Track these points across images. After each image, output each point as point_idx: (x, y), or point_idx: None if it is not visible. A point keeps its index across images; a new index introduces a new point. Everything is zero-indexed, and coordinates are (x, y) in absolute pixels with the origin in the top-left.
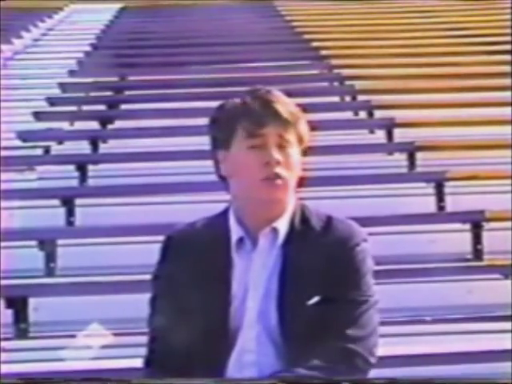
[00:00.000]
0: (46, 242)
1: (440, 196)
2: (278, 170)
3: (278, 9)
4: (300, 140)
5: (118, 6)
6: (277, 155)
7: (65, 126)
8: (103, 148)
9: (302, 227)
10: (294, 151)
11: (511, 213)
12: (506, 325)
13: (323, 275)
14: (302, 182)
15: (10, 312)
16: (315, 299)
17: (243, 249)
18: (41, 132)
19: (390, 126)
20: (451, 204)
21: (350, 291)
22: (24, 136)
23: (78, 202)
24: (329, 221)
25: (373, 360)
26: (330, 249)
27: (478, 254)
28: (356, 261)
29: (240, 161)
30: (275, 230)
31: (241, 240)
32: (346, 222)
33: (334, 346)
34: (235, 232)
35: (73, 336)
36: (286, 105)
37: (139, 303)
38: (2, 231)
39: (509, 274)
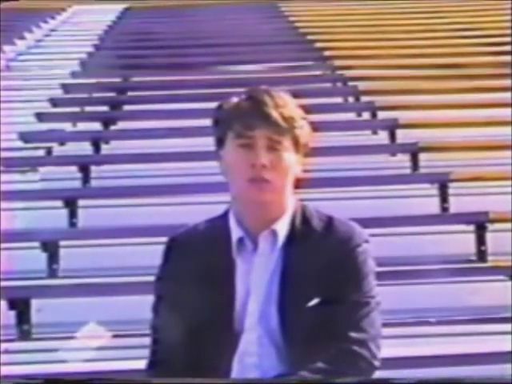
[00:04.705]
0: (49, 244)
1: (444, 197)
2: (264, 172)
3: (282, 9)
4: (296, 144)
5: (121, 6)
6: (263, 158)
7: (67, 126)
8: (106, 149)
9: (302, 228)
10: (288, 155)
11: None
12: (510, 326)
13: (324, 277)
14: (304, 183)
15: (12, 313)
16: (316, 301)
17: (244, 250)
18: (43, 133)
19: (393, 127)
20: (455, 205)
21: (352, 293)
22: (26, 137)
23: (80, 203)
24: (330, 222)
25: (376, 363)
26: (331, 250)
27: (481, 255)
28: (357, 262)
29: (230, 160)
30: (275, 233)
31: (241, 241)
32: (347, 223)
33: (336, 348)
34: (235, 233)
35: (76, 337)
36: (281, 108)
37: (142, 305)
38: (5, 232)
39: None
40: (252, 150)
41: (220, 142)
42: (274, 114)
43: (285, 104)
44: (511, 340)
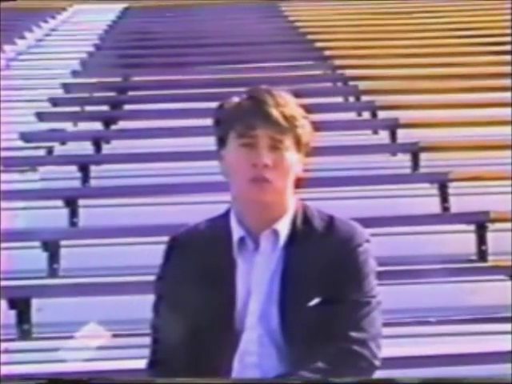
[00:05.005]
0: (50, 243)
1: (444, 197)
2: (265, 172)
3: (282, 9)
4: (298, 143)
5: (122, 6)
6: (265, 158)
7: (68, 126)
8: (106, 149)
9: (303, 228)
10: (289, 154)
11: None
12: (511, 326)
13: (325, 276)
14: (305, 183)
15: (13, 313)
16: (317, 301)
17: (245, 249)
18: (44, 133)
19: (393, 127)
20: (455, 205)
21: (353, 292)
22: (27, 137)
23: (81, 202)
24: (331, 221)
25: (377, 362)
26: (332, 250)
27: (482, 254)
28: (358, 262)
29: (232, 160)
30: (276, 232)
31: (242, 240)
32: (348, 223)
33: (336, 348)
34: (236, 232)
35: (76, 337)
36: (282, 107)
37: (143, 304)
38: (6, 232)
39: None
40: (254, 150)
41: (221, 142)
42: (275, 113)
43: (286, 103)
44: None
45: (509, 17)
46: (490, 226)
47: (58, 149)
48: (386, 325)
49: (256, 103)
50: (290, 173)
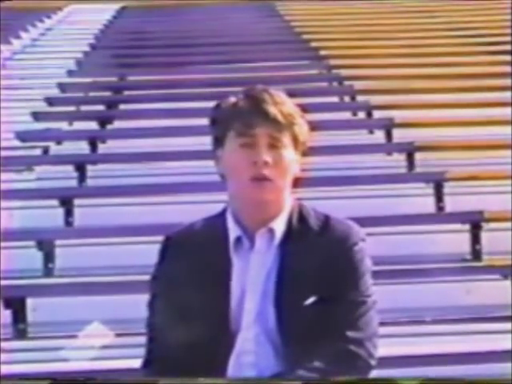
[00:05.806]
0: (45, 243)
1: (439, 196)
2: (266, 170)
3: (278, 9)
4: (296, 141)
5: (118, 5)
6: (265, 156)
7: (63, 126)
8: (102, 148)
9: (299, 227)
10: (288, 152)
11: (510, 213)
12: (506, 325)
13: (321, 275)
14: (301, 182)
15: (8, 312)
16: (313, 300)
17: (241, 248)
18: (39, 132)
19: (389, 126)
20: (450, 204)
21: (349, 292)
22: (23, 136)
23: (76, 202)
24: (326, 220)
25: (373, 362)
26: (328, 249)
27: (476, 254)
28: (354, 261)
29: (231, 159)
30: (272, 231)
31: (239, 239)
32: (344, 222)
33: (333, 347)
34: (233, 231)
35: (71, 336)
36: (280, 105)
37: (138, 304)
38: (1, 231)
39: (508, 274)
40: (254, 149)
41: (218, 142)
42: (274, 110)
43: (283, 101)
44: (511, 338)
45: (504, 17)
46: (485, 226)
47: (54, 148)
48: (381, 324)
49: (254, 102)
50: (288, 171)
